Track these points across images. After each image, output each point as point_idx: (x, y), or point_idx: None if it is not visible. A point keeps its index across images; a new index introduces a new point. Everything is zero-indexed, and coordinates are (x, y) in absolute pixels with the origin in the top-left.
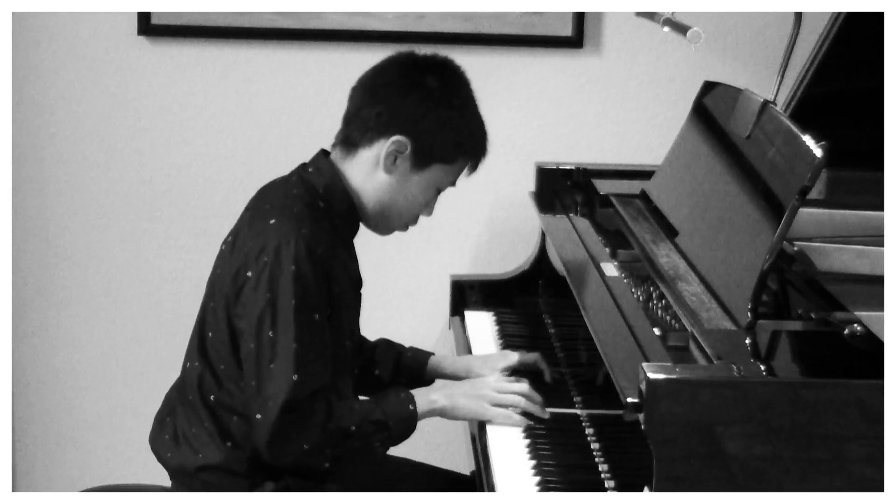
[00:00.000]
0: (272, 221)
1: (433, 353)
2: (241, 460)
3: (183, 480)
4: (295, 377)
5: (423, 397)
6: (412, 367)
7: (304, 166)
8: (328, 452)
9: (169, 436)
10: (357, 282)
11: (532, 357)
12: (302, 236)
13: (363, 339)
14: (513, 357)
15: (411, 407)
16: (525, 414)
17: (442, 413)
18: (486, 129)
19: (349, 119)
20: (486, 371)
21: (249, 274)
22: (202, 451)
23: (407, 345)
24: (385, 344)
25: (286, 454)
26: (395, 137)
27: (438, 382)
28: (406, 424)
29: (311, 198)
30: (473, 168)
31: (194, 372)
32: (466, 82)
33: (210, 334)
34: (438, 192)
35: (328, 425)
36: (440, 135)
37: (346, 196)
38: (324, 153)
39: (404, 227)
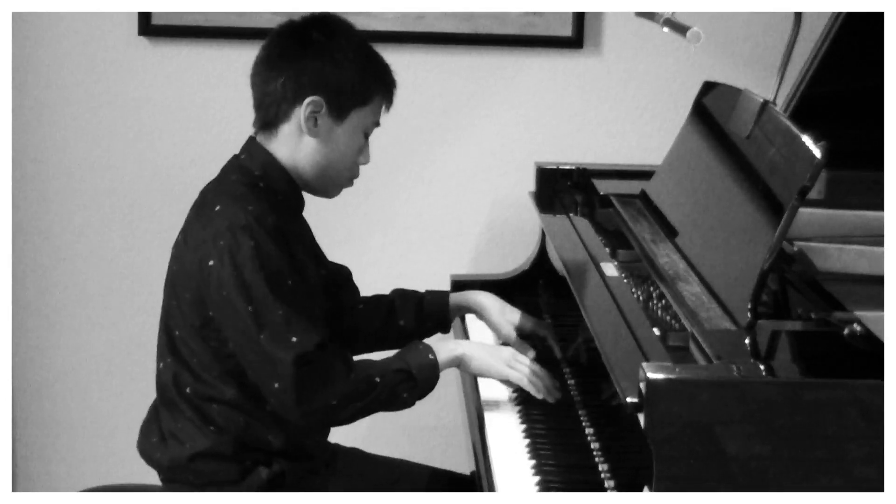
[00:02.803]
0: (217, 208)
1: (449, 292)
2: (227, 443)
3: (175, 475)
4: (294, 339)
5: (444, 346)
6: (434, 311)
7: (235, 156)
8: (358, 405)
9: (156, 438)
10: (316, 253)
11: (544, 327)
12: (250, 212)
13: (379, 295)
14: (527, 320)
15: (431, 356)
16: (530, 399)
17: (460, 362)
18: (386, 62)
19: (259, 103)
20: (501, 319)
21: (212, 262)
22: (189, 442)
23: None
24: (401, 293)
25: (316, 412)
26: (307, 100)
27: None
28: (429, 372)
29: (250, 179)
30: (389, 102)
31: (168, 370)
32: (349, 26)
33: (177, 332)
34: (366, 136)
35: (351, 376)
36: (345, 80)
37: (282, 172)
38: (251, 138)
39: (349, 182)
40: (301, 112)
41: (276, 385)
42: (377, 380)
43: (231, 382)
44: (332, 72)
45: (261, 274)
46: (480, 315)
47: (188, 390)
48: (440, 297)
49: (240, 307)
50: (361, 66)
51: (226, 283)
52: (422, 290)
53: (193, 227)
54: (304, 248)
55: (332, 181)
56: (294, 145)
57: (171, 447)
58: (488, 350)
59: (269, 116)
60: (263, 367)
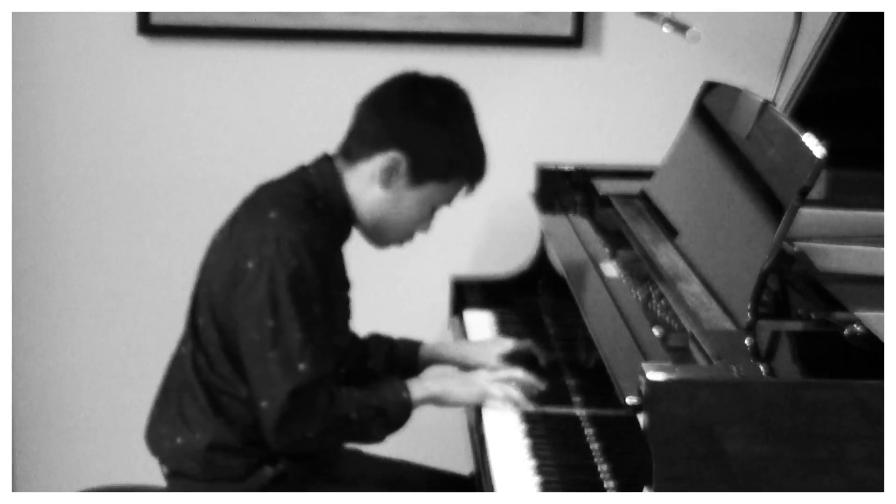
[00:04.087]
0: (272, 215)
1: (422, 342)
2: (234, 434)
3: (181, 466)
4: (301, 367)
5: (418, 385)
6: (405, 357)
7: (304, 168)
8: (331, 439)
9: (165, 428)
10: (346, 285)
11: (525, 344)
12: (302, 231)
13: (354, 336)
14: (507, 343)
15: (405, 394)
16: (527, 413)
17: (436, 399)
18: (485, 151)
19: (351, 132)
20: (482, 357)
21: (250, 265)
22: (198, 432)
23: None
24: (375, 338)
25: (291, 441)
26: (391, 153)
27: (435, 369)
28: (402, 410)
29: (311, 197)
30: (471, 188)
31: (189, 355)
32: (467, 104)
33: (200, 320)
34: (434, 209)
35: (330, 412)
36: (435, 153)
37: (343, 202)
38: (327, 158)
39: (399, 243)
40: (380, 161)
41: (264, 404)
42: (353, 416)
43: (244, 381)
44: (425, 140)
45: (292, 294)
46: (461, 365)
47: (204, 378)
48: (411, 346)
49: (263, 318)
50: (457, 147)
51: (257, 291)
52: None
53: (241, 224)
54: (339, 278)
55: (383, 236)
56: (363, 186)
57: (181, 434)
58: (462, 381)
59: (352, 148)
60: (261, 382)
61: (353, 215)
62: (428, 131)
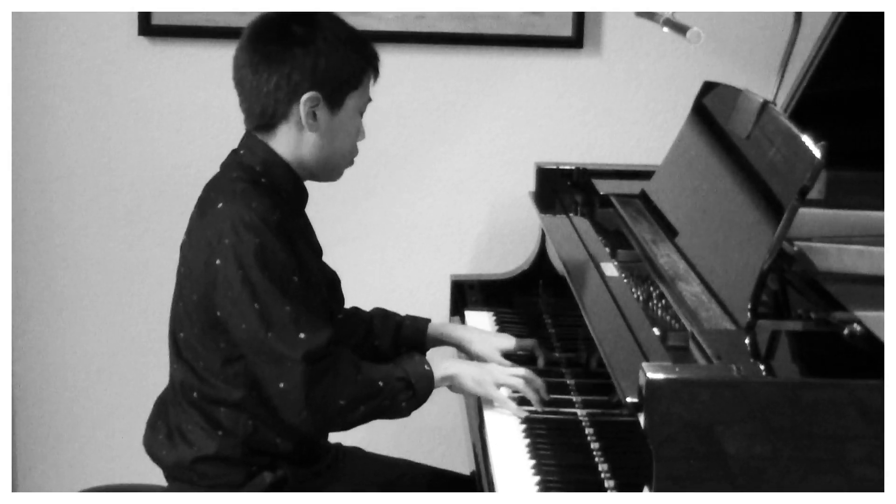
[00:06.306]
0: (220, 206)
1: (430, 320)
2: (234, 446)
3: (180, 476)
4: (302, 335)
5: (437, 364)
6: (412, 336)
7: (235, 152)
8: (363, 409)
9: (163, 436)
10: (318, 249)
11: (529, 343)
12: (254, 210)
13: (358, 310)
14: (510, 340)
15: (427, 367)
16: (524, 402)
17: (451, 380)
18: (363, 35)
19: (250, 106)
20: (484, 346)
21: (218, 262)
22: (196, 444)
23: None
24: (382, 314)
25: (324, 411)
26: (304, 97)
27: (436, 351)
28: (426, 382)
29: (251, 176)
30: (376, 75)
31: (176, 374)
32: (326, 12)
33: (182, 334)
34: (361, 114)
35: (358, 377)
36: (336, 70)
37: (284, 168)
38: (249, 133)
39: (352, 163)
40: (300, 110)
41: (283, 385)
42: (381, 384)
43: (238, 385)
44: (321, 64)
45: (266, 272)
46: (462, 349)
47: (195, 394)
48: (419, 324)
49: (246, 307)
50: (347, 51)
51: (232, 282)
52: (403, 312)
53: (197, 228)
54: (308, 244)
55: (337, 168)
56: (295, 142)
57: (178, 447)
58: (479, 369)
59: (264, 118)
60: (271, 367)
61: (298, 176)
62: (318, 57)
